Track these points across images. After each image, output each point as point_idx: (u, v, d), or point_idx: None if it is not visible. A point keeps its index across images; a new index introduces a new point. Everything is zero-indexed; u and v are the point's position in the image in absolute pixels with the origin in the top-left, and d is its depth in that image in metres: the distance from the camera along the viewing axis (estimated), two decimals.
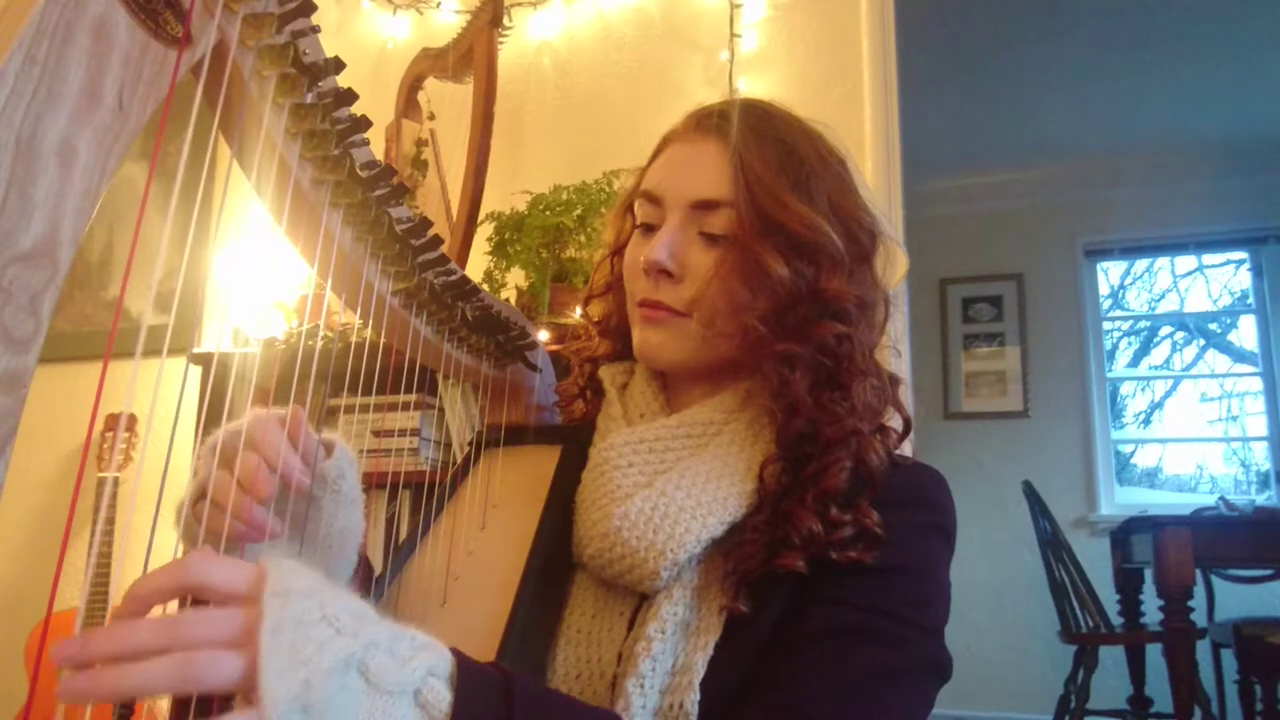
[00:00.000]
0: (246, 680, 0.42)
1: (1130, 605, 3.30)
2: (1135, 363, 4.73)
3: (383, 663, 0.46)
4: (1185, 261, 4.62)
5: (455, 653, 0.50)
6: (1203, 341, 4.66)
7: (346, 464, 0.68)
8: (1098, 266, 4.58)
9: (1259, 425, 4.32)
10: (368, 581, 0.75)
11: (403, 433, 1.81)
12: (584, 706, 0.60)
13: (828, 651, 0.63)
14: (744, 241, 0.71)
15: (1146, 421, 4.67)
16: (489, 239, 1.96)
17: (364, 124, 0.59)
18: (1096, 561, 3.53)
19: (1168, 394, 4.65)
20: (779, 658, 0.64)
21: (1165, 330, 4.72)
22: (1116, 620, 3.27)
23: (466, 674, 0.49)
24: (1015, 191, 4.51)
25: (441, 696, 0.47)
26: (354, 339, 1.56)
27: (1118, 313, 4.71)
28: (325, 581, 0.48)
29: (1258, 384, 4.35)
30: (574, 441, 0.81)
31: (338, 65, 0.56)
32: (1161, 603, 2.74)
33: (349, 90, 0.57)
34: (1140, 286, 4.75)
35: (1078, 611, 3.14)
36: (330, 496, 0.67)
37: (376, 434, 1.82)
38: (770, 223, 0.70)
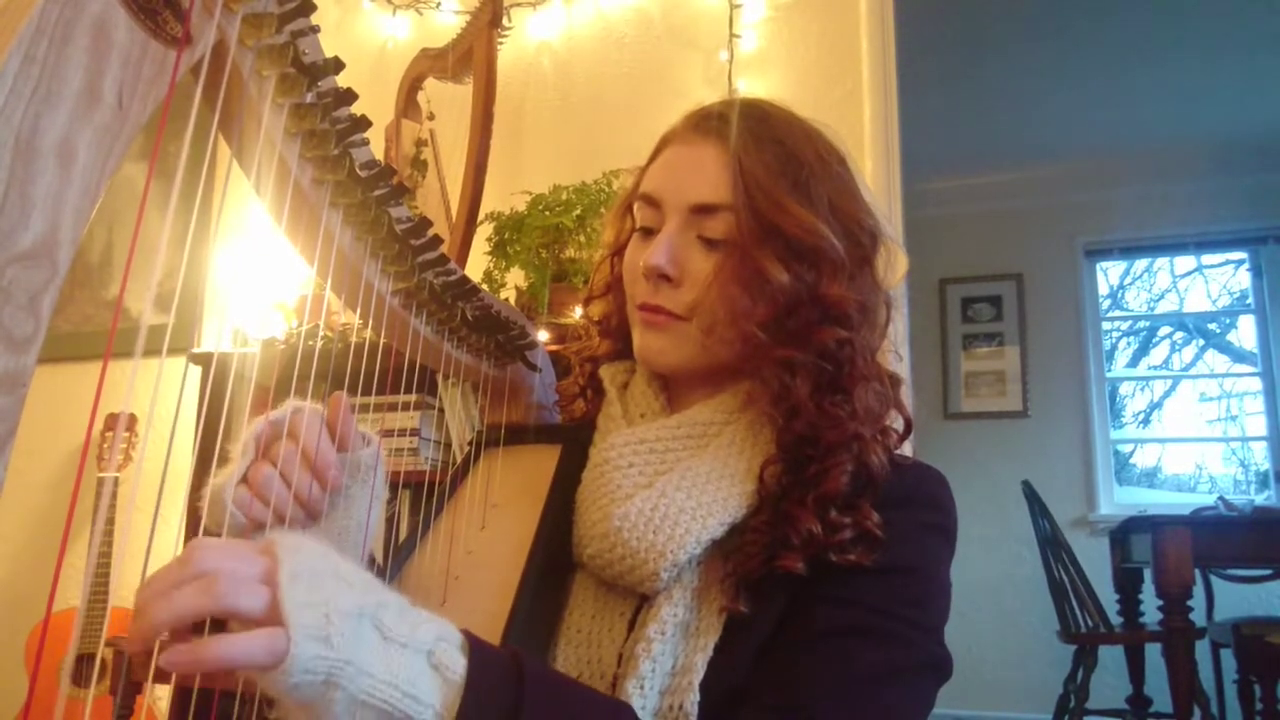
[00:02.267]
0: (269, 614, 0.44)
1: (1129, 605, 3.30)
2: (1134, 363, 4.73)
3: (394, 621, 0.47)
4: (1184, 261, 4.62)
5: (463, 630, 0.51)
6: (1202, 341, 4.66)
7: (377, 458, 0.70)
8: (1097, 266, 4.58)
9: (1258, 425, 4.33)
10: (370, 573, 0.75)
11: (402, 433, 1.81)
12: (591, 692, 0.61)
13: (828, 651, 0.63)
14: (743, 246, 0.71)
15: (1146, 421, 4.67)
16: (489, 239, 1.96)
17: (364, 124, 0.59)
18: (1096, 561, 3.53)
19: (1167, 394, 4.65)
20: (779, 658, 0.64)
21: (1164, 330, 4.73)
22: (1116, 620, 3.27)
23: (478, 646, 0.50)
24: (1015, 191, 4.52)
25: (456, 660, 0.48)
26: (354, 339, 1.56)
27: (1117, 313, 4.71)
28: (331, 549, 0.49)
29: (1257, 384, 4.35)
30: (574, 441, 0.81)
31: (337, 65, 0.56)
32: (1161, 602, 2.74)
33: (349, 90, 0.57)
34: (1140, 286, 4.75)
35: (1077, 611, 3.14)
36: (360, 486, 0.68)
37: (376, 434, 1.81)
38: (770, 227, 0.70)
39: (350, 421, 0.67)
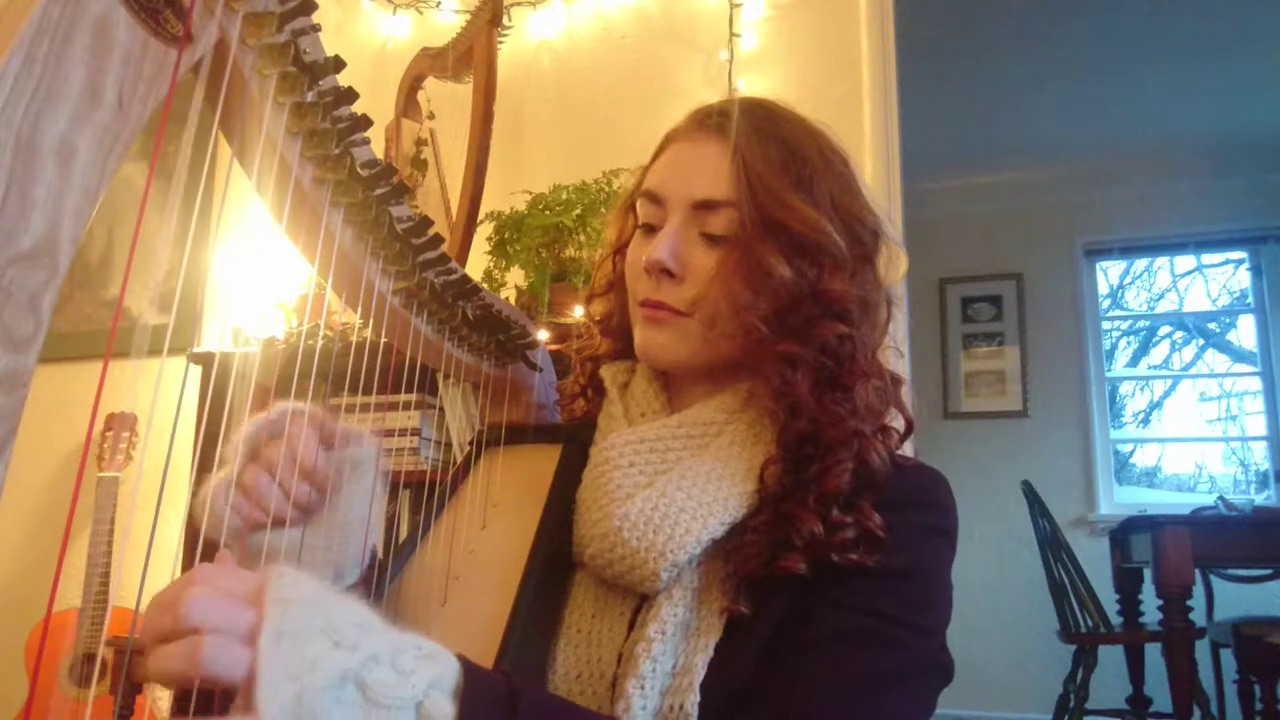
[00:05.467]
0: (250, 678, 0.43)
1: (1129, 605, 3.30)
2: (1134, 362, 4.73)
3: (382, 677, 0.45)
4: (1184, 261, 4.62)
5: (464, 663, 0.50)
6: (1202, 341, 4.66)
7: (372, 455, 0.70)
8: (1097, 266, 4.58)
9: (1258, 425, 4.32)
10: (372, 573, 0.75)
11: (403, 432, 1.81)
12: (592, 716, 0.60)
13: (830, 656, 0.63)
14: (746, 241, 0.71)
15: (1145, 421, 4.67)
16: (489, 239, 1.96)
17: (364, 123, 0.59)
18: (1096, 561, 3.53)
19: (1167, 394, 4.65)
20: (780, 661, 0.64)
21: (1164, 330, 4.73)
22: (1116, 620, 3.27)
23: (472, 686, 0.49)
24: (1015, 191, 4.52)
25: (444, 711, 0.46)
26: (354, 338, 1.56)
27: (1117, 312, 4.71)
28: (329, 591, 0.48)
29: (1257, 383, 4.35)
30: (574, 440, 0.81)
31: (338, 64, 0.56)
32: (1160, 602, 2.74)
33: (349, 89, 0.57)
34: (1139, 286, 4.75)
35: (1077, 611, 3.14)
36: (354, 484, 0.68)
37: (376, 434, 1.81)
38: (772, 222, 0.70)
39: (333, 423, 0.67)
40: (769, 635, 0.65)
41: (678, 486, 0.69)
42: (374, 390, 0.75)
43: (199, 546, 0.54)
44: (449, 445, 1.88)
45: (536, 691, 0.54)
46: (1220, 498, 3.18)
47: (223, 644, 0.43)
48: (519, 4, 2.29)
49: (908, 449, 0.78)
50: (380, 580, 0.74)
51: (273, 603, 0.45)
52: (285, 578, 0.47)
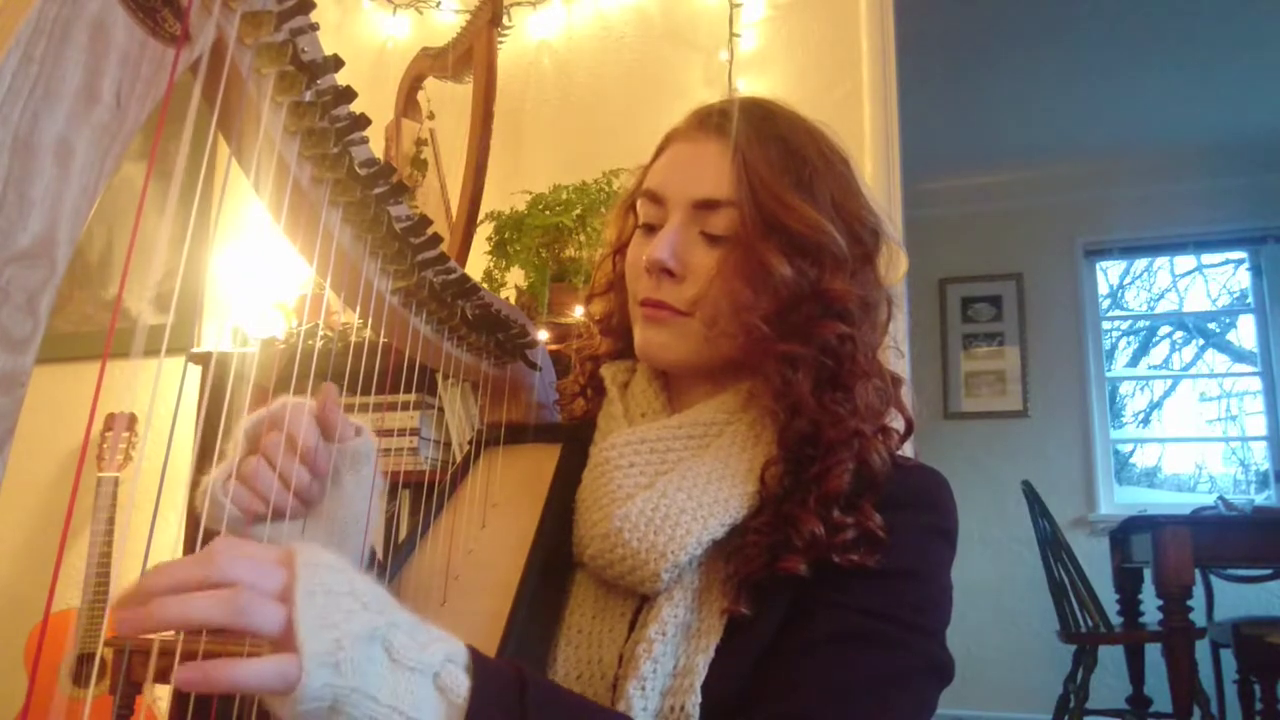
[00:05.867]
0: (284, 634, 0.45)
1: (1129, 605, 3.30)
2: (1134, 362, 4.73)
3: (404, 642, 0.48)
4: (1184, 261, 4.62)
5: (471, 649, 0.52)
6: (1202, 341, 4.66)
7: (371, 449, 0.70)
8: (1097, 266, 4.58)
9: (1258, 425, 4.32)
10: (370, 572, 0.75)
11: (402, 432, 1.81)
12: (595, 706, 0.60)
13: (830, 657, 0.63)
14: (746, 241, 0.71)
15: (1145, 421, 4.67)
16: (489, 239, 1.96)
17: (363, 122, 0.59)
18: (1096, 561, 3.53)
19: (1167, 394, 4.65)
20: (781, 663, 0.63)
21: (1164, 330, 4.73)
22: (1116, 620, 3.27)
23: (483, 666, 0.51)
24: (1015, 191, 4.52)
25: (460, 682, 0.49)
26: (353, 338, 1.56)
27: (1117, 312, 4.71)
28: (346, 563, 0.50)
29: (1257, 383, 4.35)
30: (574, 440, 0.81)
31: (336, 63, 0.56)
32: (1161, 602, 2.74)
33: (348, 88, 0.57)
34: (1139, 286, 4.75)
35: (1077, 611, 3.14)
36: (353, 477, 0.68)
37: (376, 433, 1.81)
38: (773, 222, 0.70)
39: (337, 412, 0.67)
40: (770, 636, 0.65)
41: (678, 487, 0.68)
42: (373, 390, 0.75)
43: (199, 539, 0.54)
44: (448, 445, 1.88)
45: (540, 677, 0.55)
46: (1220, 498, 3.17)
47: (259, 598, 0.45)
48: (519, 4, 2.30)
49: (908, 449, 0.78)
50: (379, 579, 0.74)
51: (303, 565, 0.47)
52: (308, 547, 0.49)
